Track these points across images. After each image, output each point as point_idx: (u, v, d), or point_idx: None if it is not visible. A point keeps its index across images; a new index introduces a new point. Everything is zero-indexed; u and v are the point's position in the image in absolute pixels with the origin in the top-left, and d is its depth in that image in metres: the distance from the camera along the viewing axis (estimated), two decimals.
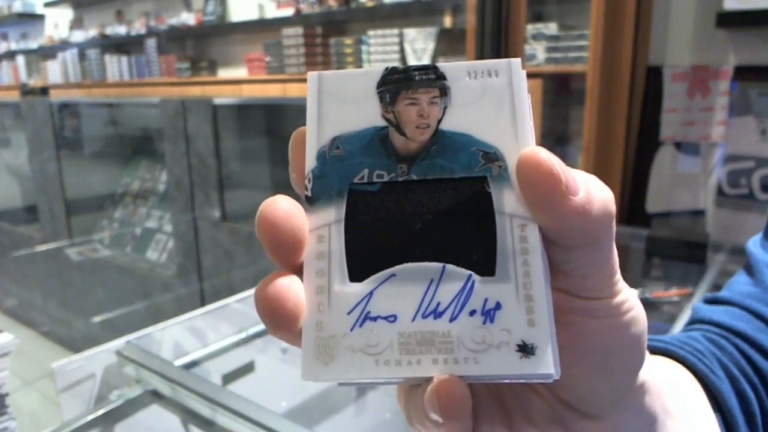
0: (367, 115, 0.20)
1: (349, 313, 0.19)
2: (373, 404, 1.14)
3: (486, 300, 0.19)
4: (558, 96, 1.96)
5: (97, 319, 3.01)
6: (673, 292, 1.15)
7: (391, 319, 0.19)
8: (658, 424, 0.25)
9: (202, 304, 1.98)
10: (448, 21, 2.59)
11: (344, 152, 0.20)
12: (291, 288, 0.19)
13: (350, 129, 0.20)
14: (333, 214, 0.20)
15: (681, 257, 1.32)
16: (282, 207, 0.19)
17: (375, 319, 0.19)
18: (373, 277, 0.19)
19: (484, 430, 0.23)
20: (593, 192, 0.18)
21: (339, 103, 0.20)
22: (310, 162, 0.20)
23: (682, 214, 1.57)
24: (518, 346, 0.18)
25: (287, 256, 0.19)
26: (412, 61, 2.62)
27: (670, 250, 1.33)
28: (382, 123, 0.20)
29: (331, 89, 0.21)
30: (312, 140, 0.20)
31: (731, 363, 0.35)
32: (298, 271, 0.19)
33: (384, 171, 0.20)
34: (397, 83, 0.20)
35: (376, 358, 0.18)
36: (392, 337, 0.19)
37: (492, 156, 0.20)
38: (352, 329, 0.19)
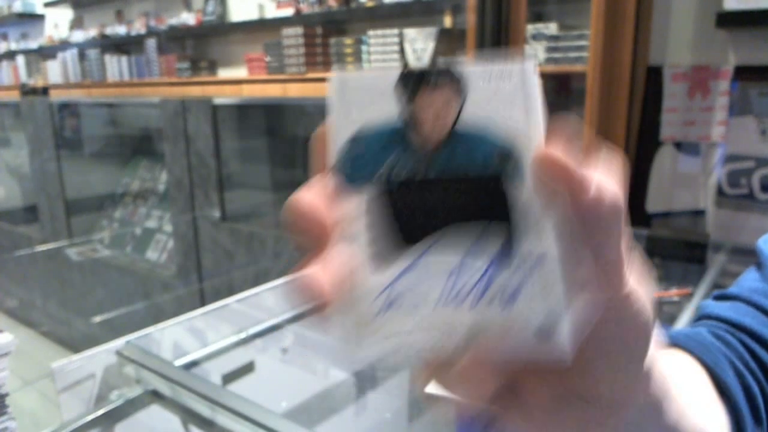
0: (386, 114, 0.21)
1: (376, 298, 0.20)
2: (373, 404, 1.14)
3: (505, 287, 0.20)
4: (558, 96, 1.96)
5: (97, 319, 3.01)
6: (673, 292, 1.15)
7: (416, 304, 0.20)
8: (662, 408, 0.25)
9: (202, 304, 1.98)
10: (448, 21, 2.59)
11: (364, 150, 0.21)
12: (322, 274, 0.20)
13: (369, 128, 0.21)
14: (354, 212, 0.21)
15: (681, 257, 1.32)
16: (310, 198, 0.20)
17: (400, 304, 0.20)
18: (396, 266, 0.21)
19: (494, 410, 0.23)
20: (604, 188, 0.19)
21: (359, 102, 0.21)
22: (332, 160, 0.21)
23: (682, 214, 1.57)
24: (537, 330, 0.20)
25: (315, 246, 0.20)
26: (412, 62, 2.61)
27: (670, 250, 1.33)
28: (400, 122, 0.21)
29: (352, 89, 0.22)
30: (333, 138, 0.21)
31: (736, 358, 0.36)
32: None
33: (402, 169, 0.21)
34: (413, 84, 0.21)
35: (402, 339, 0.20)
36: (417, 322, 0.20)
37: (507, 154, 0.20)
38: (379, 313, 0.20)
